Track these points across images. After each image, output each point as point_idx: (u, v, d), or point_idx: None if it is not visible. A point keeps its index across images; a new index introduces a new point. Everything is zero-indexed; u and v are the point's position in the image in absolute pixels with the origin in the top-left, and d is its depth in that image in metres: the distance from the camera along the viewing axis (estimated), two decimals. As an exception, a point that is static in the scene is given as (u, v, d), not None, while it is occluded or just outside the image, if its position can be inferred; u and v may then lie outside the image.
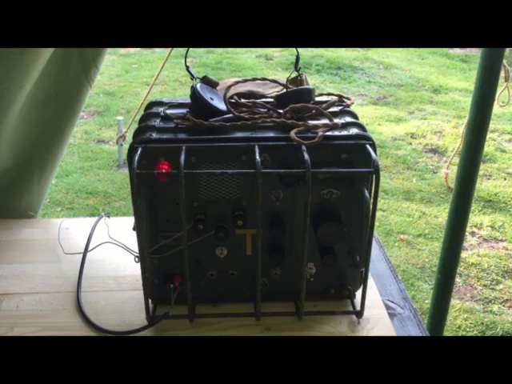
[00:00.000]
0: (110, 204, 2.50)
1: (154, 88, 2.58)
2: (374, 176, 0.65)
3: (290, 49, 4.65)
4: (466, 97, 3.75)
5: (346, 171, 0.67)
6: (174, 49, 1.65)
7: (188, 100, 0.75)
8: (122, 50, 4.71)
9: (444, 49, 4.79)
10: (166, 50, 4.47)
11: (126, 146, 2.83)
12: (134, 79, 4.07)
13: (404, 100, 3.73)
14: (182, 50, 4.31)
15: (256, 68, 4.33)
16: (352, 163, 0.67)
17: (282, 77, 0.80)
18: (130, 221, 0.72)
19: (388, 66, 4.43)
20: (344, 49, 4.81)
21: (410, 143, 3.13)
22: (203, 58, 4.51)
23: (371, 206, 0.66)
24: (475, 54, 4.67)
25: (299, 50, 0.75)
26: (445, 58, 4.64)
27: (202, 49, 4.64)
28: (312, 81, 3.96)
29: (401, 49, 4.84)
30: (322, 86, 3.92)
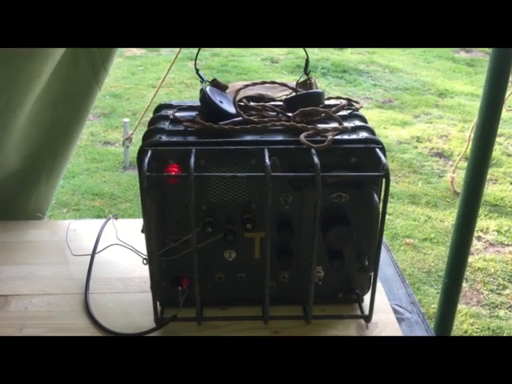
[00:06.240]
0: (116, 206, 2.50)
1: (160, 90, 2.58)
2: (384, 180, 0.65)
3: (296, 52, 4.65)
4: (471, 101, 3.74)
5: (355, 175, 0.67)
6: (180, 51, 1.66)
7: (197, 103, 0.75)
8: (128, 53, 4.73)
9: (450, 53, 4.79)
10: (172, 53, 4.47)
11: (132, 148, 2.83)
12: (140, 81, 4.08)
13: (410, 104, 3.73)
14: (188, 53, 4.32)
15: (261, 71, 4.33)
16: (361, 167, 0.67)
17: (288, 80, 0.81)
18: (138, 223, 0.72)
19: (393, 69, 4.43)
20: (349, 52, 4.81)
21: (416, 147, 3.13)
22: (209, 61, 4.52)
23: (380, 210, 0.66)
24: (481, 57, 4.66)
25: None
26: (450, 61, 4.63)
27: (208, 52, 4.65)
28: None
29: (406, 52, 4.84)
30: (327, 89, 3.92)
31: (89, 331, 0.73)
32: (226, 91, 0.76)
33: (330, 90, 3.93)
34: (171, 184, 0.67)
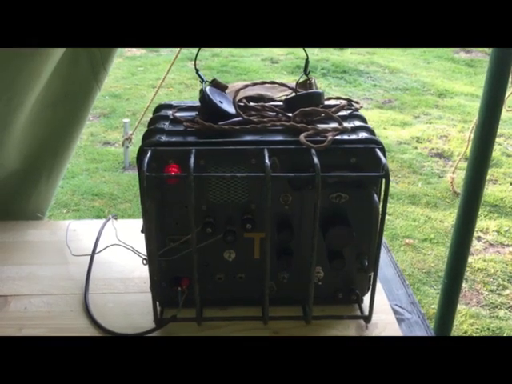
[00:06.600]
0: (116, 206, 2.50)
1: (160, 90, 2.58)
2: (384, 180, 0.65)
3: (296, 52, 4.65)
4: (471, 101, 3.74)
5: (355, 175, 0.67)
6: (180, 52, 1.66)
7: (197, 103, 0.75)
8: (128, 53, 4.73)
9: (449, 53, 4.79)
10: (172, 53, 4.47)
11: (131, 148, 2.83)
12: (140, 82, 4.08)
13: (409, 104, 3.73)
14: (188, 53, 4.32)
15: (261, 71, 4.33)
16: (361, 167, 0.67)
17: (288, 80, 0.81)
18: (138, 223, 0.72)
19: (393, 70, 4.43)
20: (349, 52, 4.81)
21: (416, 147, 3.13)
22: (209, 61, 4.52)
23: (380, 211, 0.66)
24: (481, 58, 4.66)
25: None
26: (450, 62, 4.63)
27: (208, 52, 4.65)
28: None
29: (406, 53, 4.84)
30: (327, 89, 3.92)
31: (88, 331, 0.73)
32: (226, 91, 0.76)
33: (330, 90, 3.93)
34: (171, 184, 0.67)
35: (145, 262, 0.69)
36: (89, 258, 0.87)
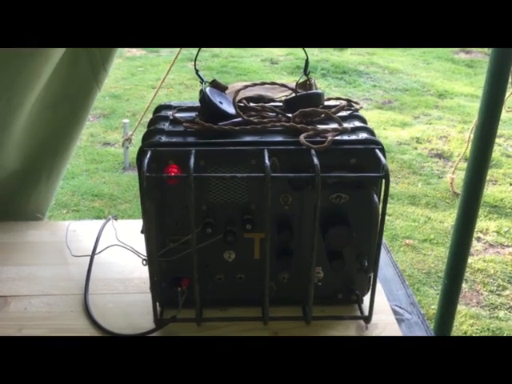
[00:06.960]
0: (116, 206, 2.50)
1: (160, 91, 2.57)
2: (384, 181, 0.65)
3: (296, 53, 4.66)
4: (471, 102, 3.75)
5: (355, 176, 0.67)
6: (180, 52, 1.66)
7: (197, 103, 0.75)
8: (128, 54, 4.73)
9: (449, 54, 4.79)
10: (172, 54, 4.48)
11: (131, 149, 2.83)
12: (140, 82, 4.08)
13: (409, 104, 3.73)
14: (188, 54, 4.32)
15: (261, 72, 4.33)
16: (361, 168, 0.67)
17: (288, 81, 0.81)
18: (138, 224, 0.72)
19: (393, 70, 4.43)
20: (349, 53, 4.81)
21: (416, 148, 3.13)
22: (208, 62, 4.52)
23: (380, 211, 0.66)
24: (480, 59, 4.67)
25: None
26: (450, 62, 4.63)
27: (208, 52, 4.66)
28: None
29: (406, 53, 4.84)
30: (327, 90, 3.92)
31: (88, 332, 0.73)
32: (226, 92, 0.76)
33: (330, 90, 3.93)
34: (171, 185, 0.67)
35: (145, 262, 0.69)
36: (89, 258, 0.87)
